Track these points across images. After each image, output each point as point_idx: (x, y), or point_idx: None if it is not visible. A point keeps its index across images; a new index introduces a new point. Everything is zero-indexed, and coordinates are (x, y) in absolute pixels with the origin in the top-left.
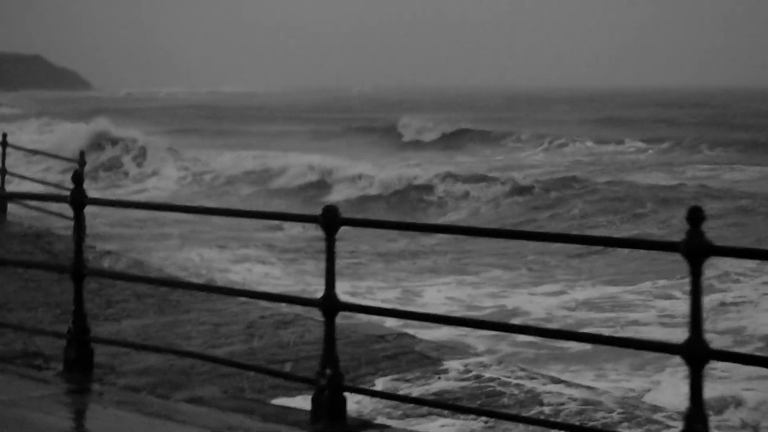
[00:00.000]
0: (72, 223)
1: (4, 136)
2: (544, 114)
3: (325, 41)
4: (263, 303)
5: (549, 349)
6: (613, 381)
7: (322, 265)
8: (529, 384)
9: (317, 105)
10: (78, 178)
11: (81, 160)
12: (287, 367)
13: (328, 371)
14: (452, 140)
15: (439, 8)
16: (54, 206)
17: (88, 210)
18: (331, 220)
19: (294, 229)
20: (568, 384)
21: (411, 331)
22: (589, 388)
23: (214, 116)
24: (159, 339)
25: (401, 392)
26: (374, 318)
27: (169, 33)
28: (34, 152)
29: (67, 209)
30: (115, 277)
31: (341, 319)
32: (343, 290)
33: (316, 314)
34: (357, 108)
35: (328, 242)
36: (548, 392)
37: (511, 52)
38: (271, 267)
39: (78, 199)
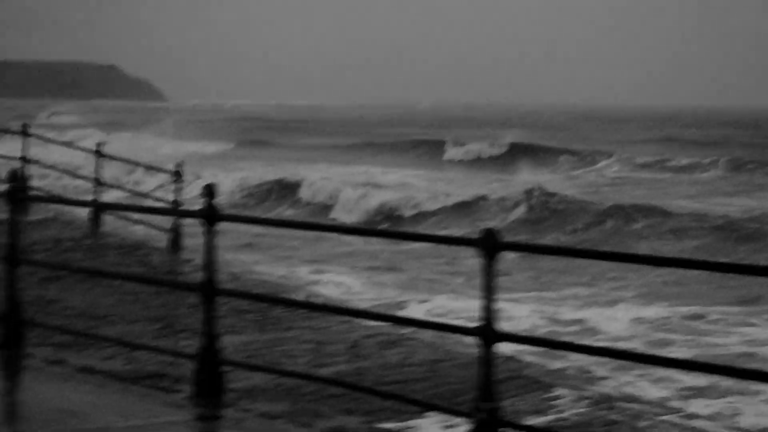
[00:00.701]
0: (169, 236)
1: (99, 145)
2: (613, 133)
3: (398, 55)
4: (365, 322)
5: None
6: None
7: (400, 276)
8: (644, 410)
9: (380, 119)
10: (211, 192)
11: (177, 172)
12: None
13: (486, 405)
14: (510, 156)
15: (509, 24)
16: (146, 217)
17: (162, 221)
18: (491, 245)
19: (364, 243)
20: (690, 416)
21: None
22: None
23: (271, 128)
24: (262, 357)
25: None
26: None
27: (244, 45)
28: (131, 162)
29: (161, 221)
30: (248, 297)
31: (439, 338)
32: (426, 307)
33: (421, 335)
34: (420, 123)
35: (486, 267)
36: (671, 423)
37: (584, 70)
38: (352, 280)
39: (211, 214)
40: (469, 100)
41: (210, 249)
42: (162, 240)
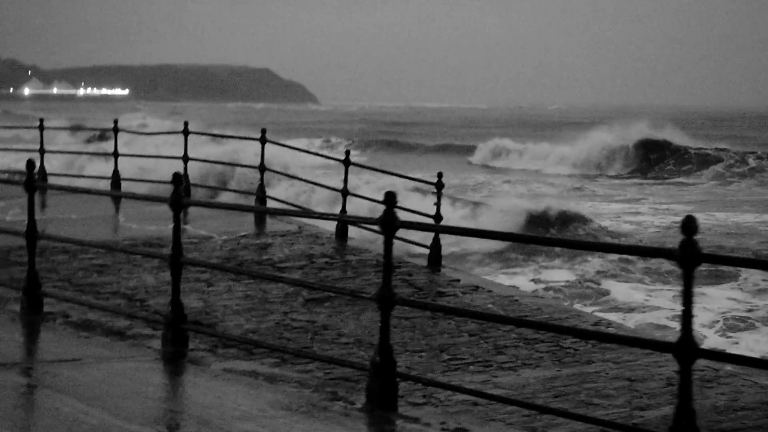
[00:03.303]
0: (429, 253)
1: (347, 153)
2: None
3: (526, 58)
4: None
5: None
6: None
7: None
8: None
9: (504, 121)
10: (690, 227)
11: (439, 182)
12: None
13: None
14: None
15: (647, 33)
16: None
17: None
18: None
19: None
20: None
21: None
22: None
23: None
24: (572, 396)
25: None
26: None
27: (393, 49)
28: (386, 173)
29: (412, 235)
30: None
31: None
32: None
33: (745, 372)
34: (548, 124)
35: None
36: None
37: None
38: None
39: (692, 255)
40: (592, 102)
41: (688, 298)
42: (416, 255)
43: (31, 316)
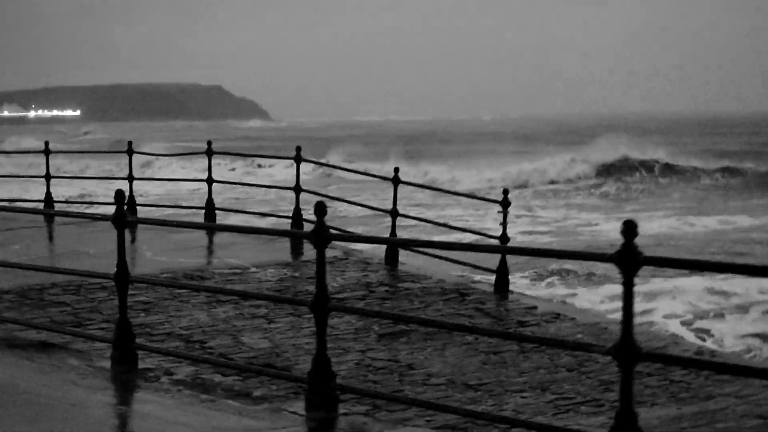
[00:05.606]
0: (495, 277)
1: (396, 171)
2: None
3: (498, 73)
4: None
5: None
6: None
7: None
8: None
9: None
10: None
11: (505, 200)
12: None
13: None
14: None
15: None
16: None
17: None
18: None
19: None
20: None
21: None
22: None
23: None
24: None
25: None
26: None
27: (342, 67)
28: (442, 191)
29: (466, 257)
30: None
31: None
32: None
33: None
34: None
35: None
36: None
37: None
38: None
39: None
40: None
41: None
42: (478, 281)
43: (128, 374)
